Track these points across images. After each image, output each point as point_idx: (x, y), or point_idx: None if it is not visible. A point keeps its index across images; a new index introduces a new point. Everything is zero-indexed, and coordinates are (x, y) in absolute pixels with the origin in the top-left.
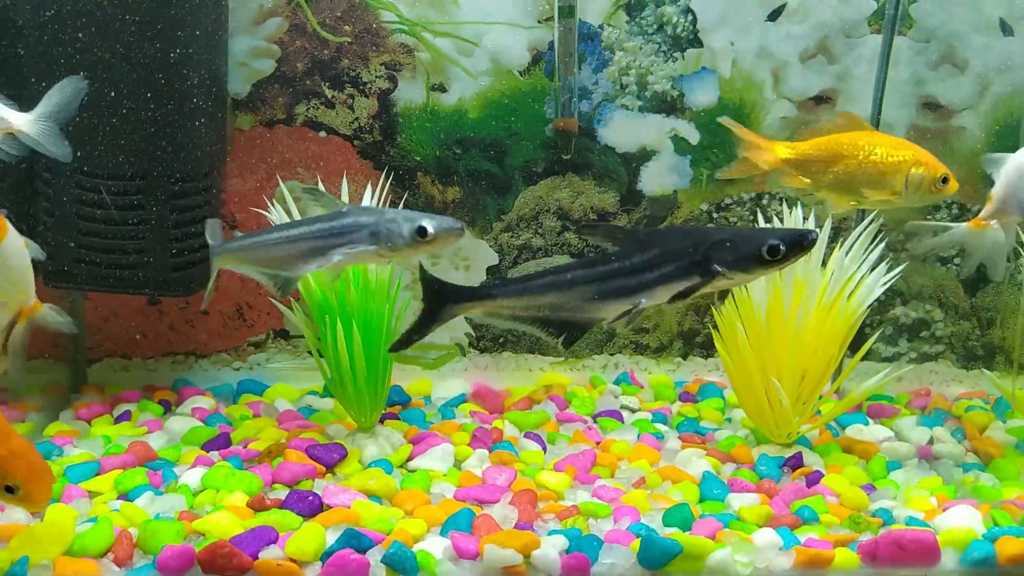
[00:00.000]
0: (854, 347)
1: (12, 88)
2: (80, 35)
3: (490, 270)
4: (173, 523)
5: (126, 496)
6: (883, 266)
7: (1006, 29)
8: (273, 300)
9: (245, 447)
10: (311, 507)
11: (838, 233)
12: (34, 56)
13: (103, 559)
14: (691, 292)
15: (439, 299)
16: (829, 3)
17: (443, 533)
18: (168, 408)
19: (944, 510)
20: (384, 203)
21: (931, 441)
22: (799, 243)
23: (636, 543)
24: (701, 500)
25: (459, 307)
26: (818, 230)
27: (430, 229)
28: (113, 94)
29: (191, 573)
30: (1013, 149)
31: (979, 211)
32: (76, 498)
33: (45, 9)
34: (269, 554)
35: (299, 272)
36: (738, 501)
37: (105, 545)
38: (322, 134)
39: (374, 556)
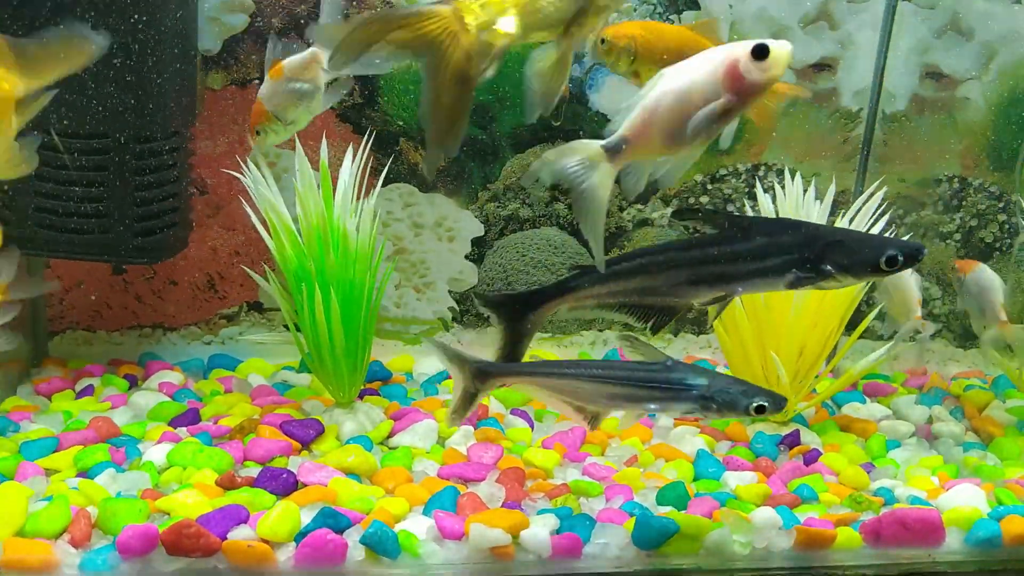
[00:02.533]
0: (850, 326)
1: None
2: None
3: (475, 241)
4: (135, 501)
5: (86, 473)
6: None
7: None
8: (246, 269)
9: (215, 423)
10: (285, 485)
11: (837, 206)
12: None
13: (58, 540)
14: (797, 287)
15: (519, 311)
16: None
17: (426, 512)
18: (134, 383)
19: (947, 489)
20: (365, 169)
21: (930, 420)
22: (915, 256)
23: (630, 522)
24: (696, 479)
25: (541, 311)
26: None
27: (766, 407)
28: None
29: (154, 554)
30: (1018, 121)
31: (980, 185)
32: (32, 476)
33: None
34: (239, 534)
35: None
36: (734, 479)
37: (61, 525)
38: None
39: (352, 536)
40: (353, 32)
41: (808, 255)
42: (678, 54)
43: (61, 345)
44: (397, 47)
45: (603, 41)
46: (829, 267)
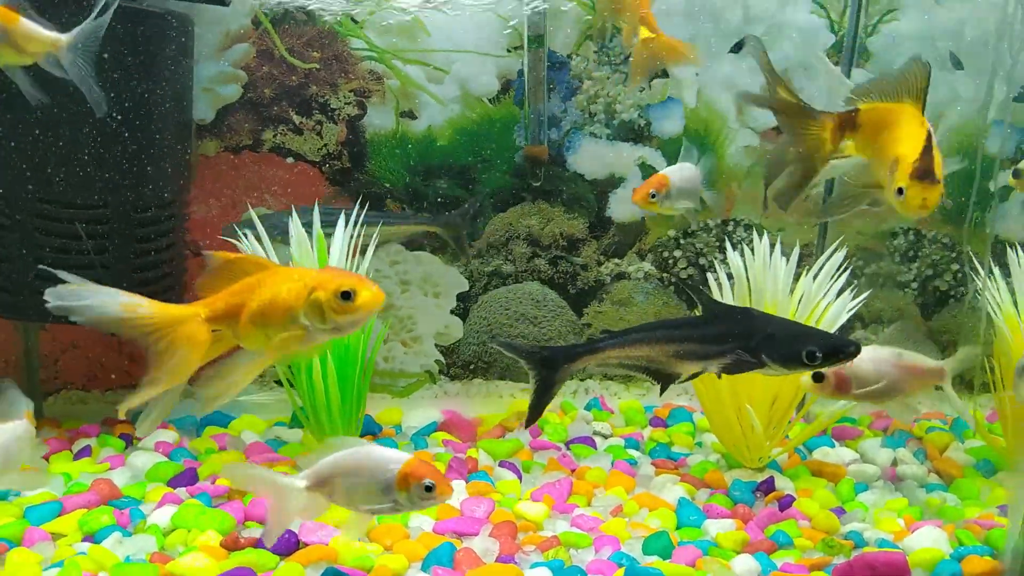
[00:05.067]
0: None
1: None
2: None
3: (460, 296)
4: (146, 566)
5: (92, 537)
6: (848, 292)
7: (956, 63)
8: None
9: (213, 483)
10: (287, 545)
11: (802, 259)
12: None
13: None
14: (741, 371)
15: (554, 363)
16: (790, 36)
17: (424, 568)
18: (129, 442)
19: (912, 531)
20: (357, 230)
21: (895, 462)
22: (836, 353)
23: (619, 573)
24: (678, 527)
25: (573, 365)
26: (859, 343)
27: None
28: (75, 121)
29: None
30: (966, 178)
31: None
32: (39, 541)
33: None
34: None
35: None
36: (715, 527)
37: None
38: (290, 160)
39: None
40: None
41: (752, 345)
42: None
43: (56, 405)
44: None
45: None
46: (765, 357)
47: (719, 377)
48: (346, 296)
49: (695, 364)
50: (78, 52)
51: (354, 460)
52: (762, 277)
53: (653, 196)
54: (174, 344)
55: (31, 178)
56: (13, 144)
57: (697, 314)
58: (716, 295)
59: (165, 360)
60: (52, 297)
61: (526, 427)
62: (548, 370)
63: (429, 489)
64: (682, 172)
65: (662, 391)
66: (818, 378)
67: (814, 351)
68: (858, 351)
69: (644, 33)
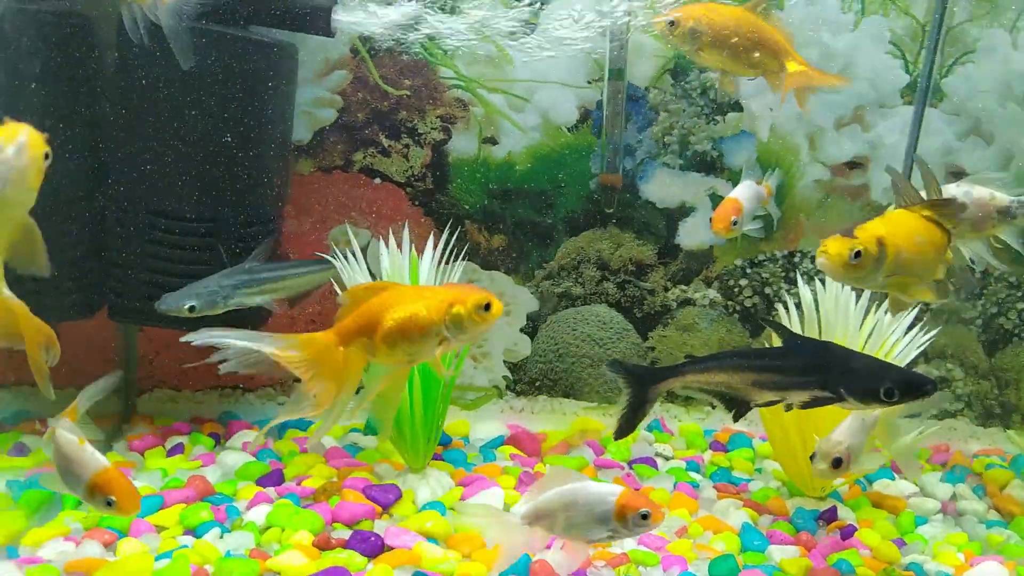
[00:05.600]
0: None
1: (89, 132)
2: (164, 86)
3: (530, 316)
4: (247, 561)
5: (193, 532)
6: (917, 328)
7: None
8: None
9: (299, 484)
10: (373, 548)
11: (872, 298)
12: (116, 103)
13: None
14: (820, 405)
15: (644, 382)
16: (865, 75)
17: None
18: (217, 440)
19: (972, 566)
20: (446, 253)
21: (954, 497)
22: (914, 391)
23: None
24: (743, 550)
25: (661, 386)
26: (935, 381)
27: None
28: (189, 141)
29: None
30: None
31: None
32: (144, 532)
33: (132, 59)
34: None
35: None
36: (779, 553)
37: None
38: (377, 181)
39: None
40: None
41: (830, 379)
42: (739, 34)
43: (148, 403)
44: None
45: (672, 23)
46: (843, 391)
47: (787, 409)
48: (486, 308)
49: (773, 394)
50: (180, 6)
51: (571, 495)
52: (833, 309)
53: (735, 223)
54: (315, 374)
55: (145, 192)
56: (131, 160)
57: (770, 345)
58: (784, 320)
59: (314, 387)
60: (204, 336)
61: (616, 439)
62: (641, 387)
63: (645, 517)
64: (749, 191)
65: (736, 418)
66: (836, 464)
67: (892, 388)
68: (935, 388)
69: (793, 67)
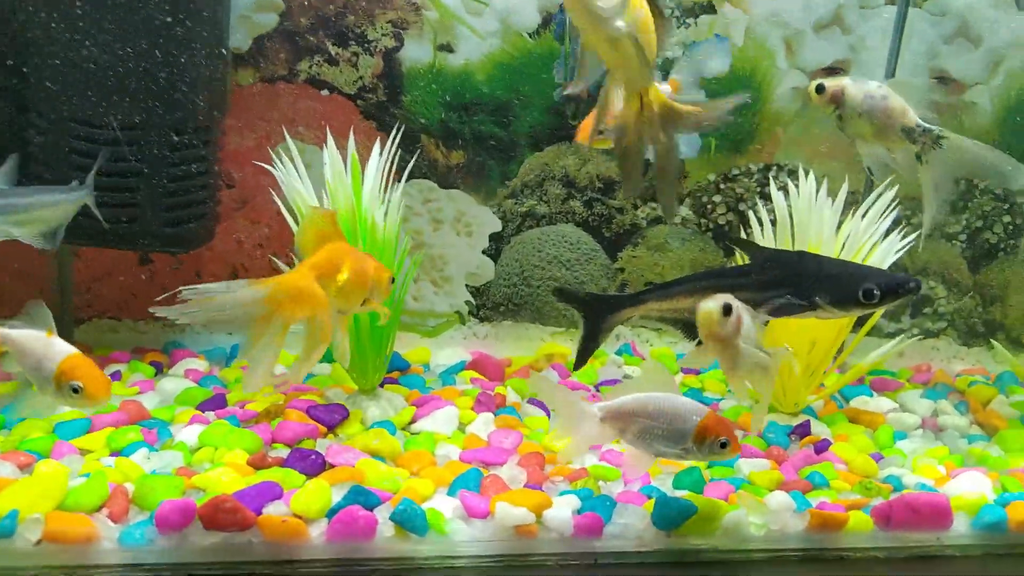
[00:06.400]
0: (858, 324)
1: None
2: None
3: (493, 237)
4: (171, 478)
5: (119, 453)
6: (896, 234)
7: (1020, 4)
8: (274, 259)
9: (242, 408)
10: (314, 465)
11: (848, 206)
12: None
13: (97, 514)
14: (791, 313)
15: (601, 310)
16: None
17: (451, 493)
18: (159, 370)
19: (953, 477)
20: (393, 161)
21: (935, 413)
22: (895, 290)
23: (650, 504)
24: (710, 465)
25: (619, 315)
26: (918, 279)
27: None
28: (107, 42)
29: (190, 529)
30: (1018, 127)
31: (985, 187)
32: (67, 454)
33: None
34: (273, 510)
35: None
36: (748, 466)
37: (99, 500)
38: (324, 92)
39: (382, 514)
40: None
41: (805, 289)
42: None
43: (87, 332)
44: None
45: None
46: (819, 300)
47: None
48: (392, 281)
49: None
50: None
51: (657, 404)
52: (806, 216)
53: (602, 132)
54: (310, 312)
55: (65, 98)
56: (46, 63)
57: (742, 263)
58: (758, 238)
59: (310, 327)
60: (188, 294)
61: (574, 371)
62: (597, 315)
63: (724, 445)
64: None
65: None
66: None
67: (871, 289)
68: (919, 287)
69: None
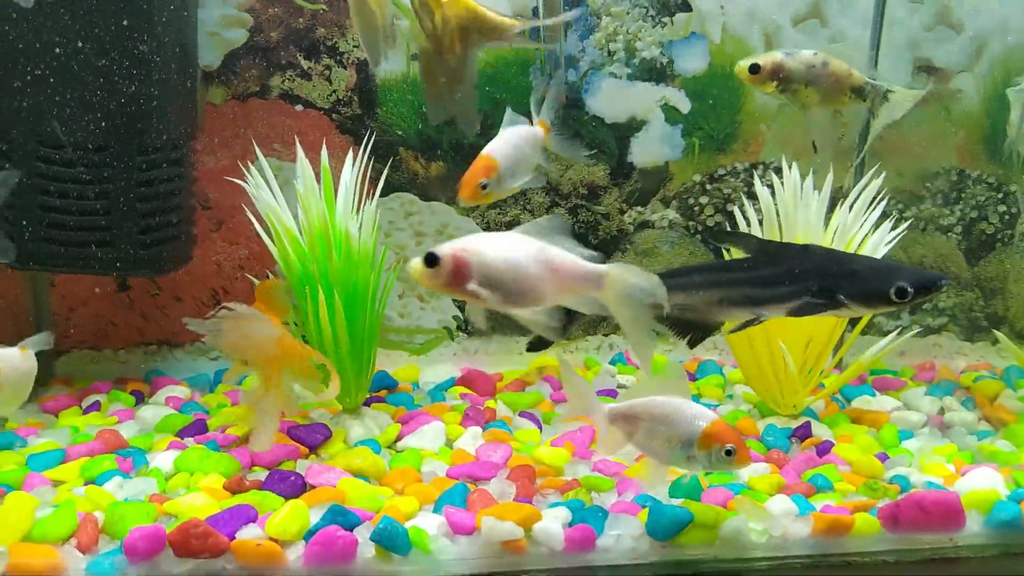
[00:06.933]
0: (854, 321)
1: None
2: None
3: None
4: (142, 505)
5: (93, 482)
6: (887, 224)
7: None
8: (251, 278)
9: (223, 432)
10: (293, 487)
11: (835, 200)
12: None
13: (65, 545)
14: (811, 313)
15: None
16: None
17: (436, 510)
18: (140, 399)
19: (962, 475)
20: (366, 172)
21: (941, 410)
22: (928, 288)
23: (644, 513)
24: (707, 472)
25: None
26: (946, 276)
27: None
28: (74, 62)
29: (162, 557)
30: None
31: (978, 176)
32: (38, 486)
33: None
34: (248, 534)
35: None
36: (747, 471)
37: (68, 530)
38: (299, 107)
39: (362, 534)
40: None
41: (826, 285)
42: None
43: (67, 364)
44: None
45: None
46: (842, 297)
47: (754, 324)
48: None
49: (747, 311)
50: None
51: (663, 408)
52: (793, 210)
53: (484, 187)
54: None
55: (32, 121)
56: (9, 83)
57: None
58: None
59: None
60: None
61: (528, 350)
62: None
63: (729, 453)
64: (510, 140)
65: (693, 345)
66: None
67: (904, 287)
68: (947, 282)
69: None
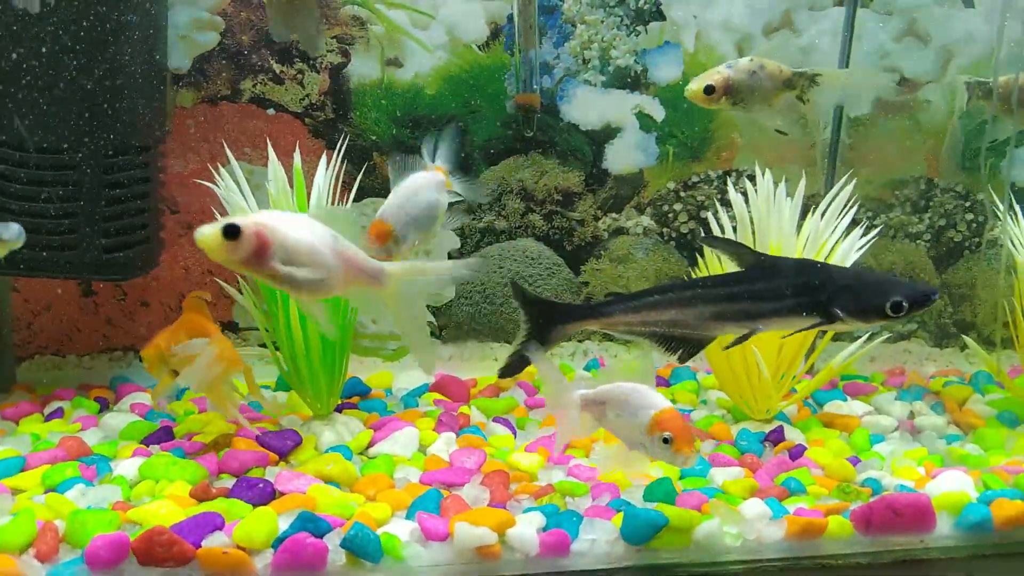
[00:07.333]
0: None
1: None
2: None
3: (451, 254)
4: (105, 512)
5: (54, 490)
6: (857, 231)
7: (967, 1)
8: (221, 283)
9: (189, 440)
10: (262, 494)
11: (806, 208)
12: None
13: (23, 555)
14: (808, 328)
15: (548, 319)
16: None
17: (409, 516)
18: (105, 406)
19: (933, 478)
20: (339, 177)
21: (911, 415)
22: (923, 302)
23: (618, 517)
24: (682, 476)
25: (570, 326)
26: (936, 288)
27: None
28: (38, 64)
29: (125, 565)
30: (979, 124)
31: (946, 185)
32: None
33: None
34: (214, 541)
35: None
36: (721, 475)
37: (27, 539)
38: (270, 111)
39: (332, 540)
40: None
41: (822, 299)
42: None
43: (30, 371)
44: None
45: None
46: (839, 311)
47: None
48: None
49: (738, 326)
50: None
51: (623, 393)
52: (766, 216)
53: (388, 252)
54: None
55: None
56: None
57: (705, 274)
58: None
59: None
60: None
61: (499, 377)
62: (541, 324)
63: (666, 441)
64: (404, 195)
65: (684, 359)
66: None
67: (900, 301)
68: (937, 295)
69: None
